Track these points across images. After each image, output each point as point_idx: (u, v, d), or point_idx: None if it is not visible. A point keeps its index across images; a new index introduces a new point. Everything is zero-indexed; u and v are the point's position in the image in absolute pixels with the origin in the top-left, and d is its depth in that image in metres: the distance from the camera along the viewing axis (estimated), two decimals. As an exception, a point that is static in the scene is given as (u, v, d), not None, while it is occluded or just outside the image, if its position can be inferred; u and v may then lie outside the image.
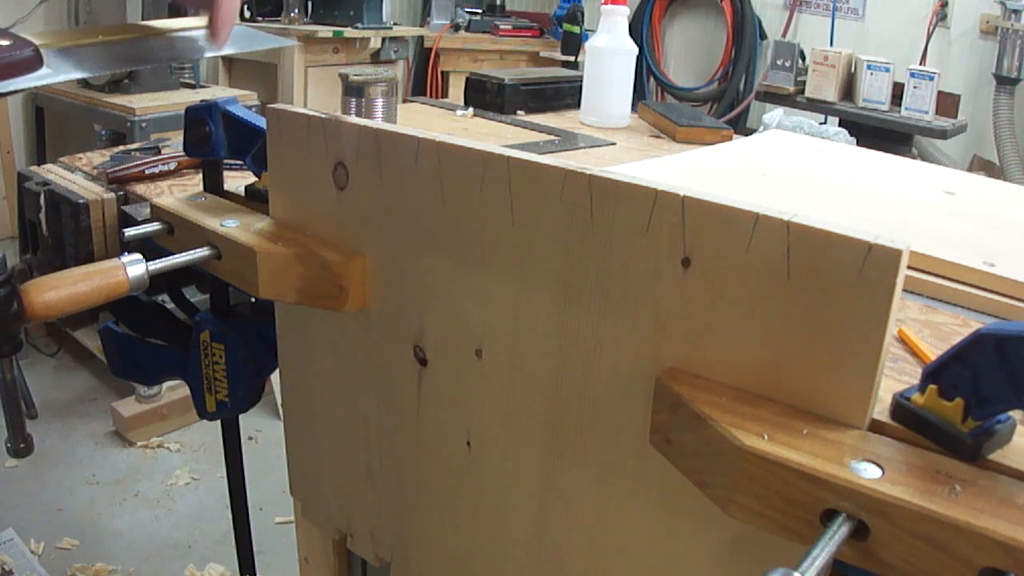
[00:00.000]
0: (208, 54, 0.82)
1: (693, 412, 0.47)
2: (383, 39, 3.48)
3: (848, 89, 2.89)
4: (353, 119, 0.66)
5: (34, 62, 0.71)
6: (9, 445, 0.81)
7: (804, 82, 2.93)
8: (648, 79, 4.06)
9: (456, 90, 3.76)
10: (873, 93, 2.78)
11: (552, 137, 1.40)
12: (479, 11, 4.09)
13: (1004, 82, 3.00)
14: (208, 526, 2.07)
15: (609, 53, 1.52)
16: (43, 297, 0.62)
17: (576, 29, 3.59)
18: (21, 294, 0.62)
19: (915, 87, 2.68)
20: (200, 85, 2.72)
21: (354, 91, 1.11)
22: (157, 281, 0.71)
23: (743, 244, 0.46)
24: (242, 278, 0.70)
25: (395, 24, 3.65)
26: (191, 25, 0.80)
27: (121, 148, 1.19)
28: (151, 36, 0.82)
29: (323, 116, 0.67)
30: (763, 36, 3.77)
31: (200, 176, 0.87)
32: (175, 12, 0.85)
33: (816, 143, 1.31)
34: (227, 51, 0.86)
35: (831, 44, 3.45)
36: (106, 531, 2.04)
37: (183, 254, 0.72)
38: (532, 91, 1.64)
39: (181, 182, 1.02)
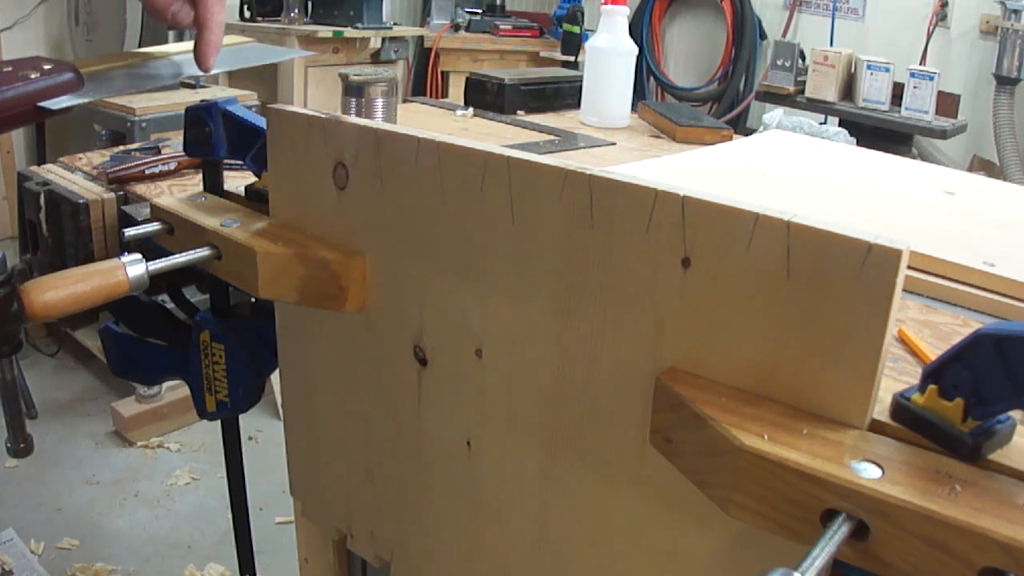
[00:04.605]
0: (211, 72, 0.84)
1: (693, 412, 0.47)
2: (383, 39, 3.48)
3: (848, 89, 2.89)
4: (353, 119, 0.66)
5: (76, 83, 0.73)
6: (9, 445, 0.81)
7: (804, 82, 2.93)
8: (648, 79, 4.06)
9: (456, 90, 3.76)
10: (873, 93, 2.78)
11: (552, 137, 1.39)
12: (479, 11, 4.09)
13: (1004, 82, 3.00)
14: (208, 526, 2.07)
15: (609, 53, 1.52)
16: (43, 297, 0.62)
17: (576, 29, 3.59)
18: (21, 294, 0.62)
19: (915, 87, 2.68)
20: (200, 85, 2.72)
21: (354, 91, 1.11)
22: (157, 281, 0.71)
23: (743, 244, 0.46)
24: (242, 278, 0.70)
25: (395, 24, 3.64)
26: (188, 49, 0.81)
27: (121, 148, 1.19)
28: (155, 59, 0.84)
29: (323, 116, 0.67)
30: (763, 36, 3.77)
31: (200, 176, 0.87)
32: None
33: (816, 143, 1.31)
34: (238, 66, 0.87)
35: (831, 44, 3.45)
36: (106, 531, 2.04)
37: (183, 254, 0.72)
38: (532, 91, 1.64)
39: (181, 182, 1.02)
